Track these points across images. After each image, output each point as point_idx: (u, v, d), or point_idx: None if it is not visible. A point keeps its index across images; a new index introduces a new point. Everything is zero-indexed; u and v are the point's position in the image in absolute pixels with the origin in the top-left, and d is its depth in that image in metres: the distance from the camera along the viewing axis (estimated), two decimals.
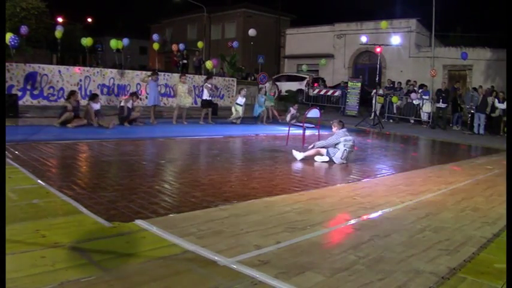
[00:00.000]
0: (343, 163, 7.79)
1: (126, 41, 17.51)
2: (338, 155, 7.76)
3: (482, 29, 24.27)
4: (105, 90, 14.48)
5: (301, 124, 10.25)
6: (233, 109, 14.23)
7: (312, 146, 8.13)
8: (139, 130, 10.79)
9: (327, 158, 7.82)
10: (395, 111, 18.59)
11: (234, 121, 13.99)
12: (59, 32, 16.94)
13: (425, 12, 21.72)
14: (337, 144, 7.82)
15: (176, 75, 15.78)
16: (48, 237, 3.38)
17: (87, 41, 16.52)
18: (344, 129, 8.05)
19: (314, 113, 10.56)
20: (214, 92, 14.35)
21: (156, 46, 19.63)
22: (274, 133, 12.40)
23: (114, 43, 16.71)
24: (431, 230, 4.22)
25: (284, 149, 9.43)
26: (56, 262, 2.93)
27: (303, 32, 28.58)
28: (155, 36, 20.61)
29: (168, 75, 16.73)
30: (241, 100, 14.07)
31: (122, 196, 4.69)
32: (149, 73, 13.60)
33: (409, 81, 19.31)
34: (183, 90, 12.81)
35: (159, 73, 14.61)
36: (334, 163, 7.76)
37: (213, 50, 31.74)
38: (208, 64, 18.15)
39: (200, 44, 21.06)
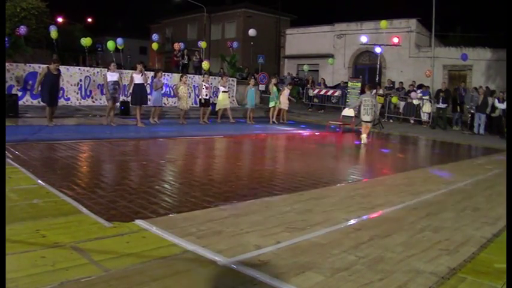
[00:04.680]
0: (367, 120, 10.66)
1: (120, 40, 17.45)
2: (360, 113, 10.84)
3: (482, 29, 24.27)
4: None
5: (340, 123, 12.35)
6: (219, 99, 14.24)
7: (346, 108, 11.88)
8: (139, 130, 10.79)
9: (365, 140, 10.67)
10: (401, 110, 18.51)
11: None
12: (54, 32, 16.93)
13: (425, 12, 21.71)
14: (360, 105, 10.81)
15: (176, 75, 15.76)
16: (48, 237, 3.38)
17: (86, 41, 16.49)
18: (368, 93, 10.93)
19: (349, 112, 12.51)
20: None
21: (155, 46, 19.62)
22: (274, 133, 12.42)
23: (111, 44, 16.62)
24: (431, 230, 4.22)
25: (284, 148, 9.43)
26: (56, 262, 2.93)
27: (303, 32, 28.55)
28: (154, 36, 20.58)
29: (168, 75, 16.74)
30: (224, 88, 14.19)
31: (122, 196, 4.69)
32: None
33: (414, 82, 19.23)
34: (185, 91, 12.76)
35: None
36: (363, 120, 10.77)
37: (213, 50, 31.72)
38: (205, 65, 18.14)
39: (204, 44, 21.08)
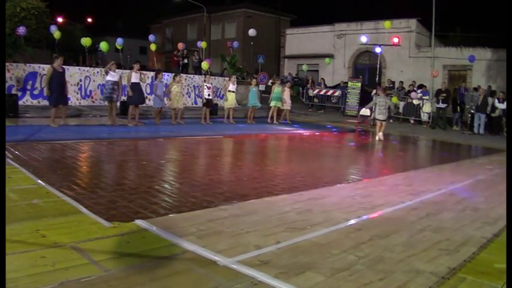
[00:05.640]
0: (382, 119, 11.91)
1: (119, 40, 17.36)
2: (376, 113, 12.29)
3: (482, 29, 24.30)
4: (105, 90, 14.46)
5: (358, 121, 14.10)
6: (226, 99, 14.16)
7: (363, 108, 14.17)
8: (139, 130, 10.78)
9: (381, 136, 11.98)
10: (400, 110, 18.50)
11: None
12: (57, 33, 16.89)
13: (425, 12, 21.71)
14: (375, 105, 12.33)
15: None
16: (48, 237, 3.38)
17: (86, 41, 16.47)
18: (383, 95, 12.43)
19: (366, 111, 13.83)
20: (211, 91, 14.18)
21: (153, 47, 19.61)
22: (274, 133, 12.41)
23: (104, 46, 16.31)
24: (431, 230, 4.22)
25: (284, 148, 9.43)
26: (56, 262, 2.93)
27: (303, 32, 28.56)
28: (151, 37, 20.59)
29: (168, 75, 16.73)
30: (232, 87, 14.03)
31: (122, 196, 4.69)
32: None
33: (414, 82, 19.22)
34: (178, 91, 12.68)
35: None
36: (378, 119, 12.05)
37: (213, 50, 31.73)
38: (204, 65, 18.15)
39: (204, 44, 21.11)
